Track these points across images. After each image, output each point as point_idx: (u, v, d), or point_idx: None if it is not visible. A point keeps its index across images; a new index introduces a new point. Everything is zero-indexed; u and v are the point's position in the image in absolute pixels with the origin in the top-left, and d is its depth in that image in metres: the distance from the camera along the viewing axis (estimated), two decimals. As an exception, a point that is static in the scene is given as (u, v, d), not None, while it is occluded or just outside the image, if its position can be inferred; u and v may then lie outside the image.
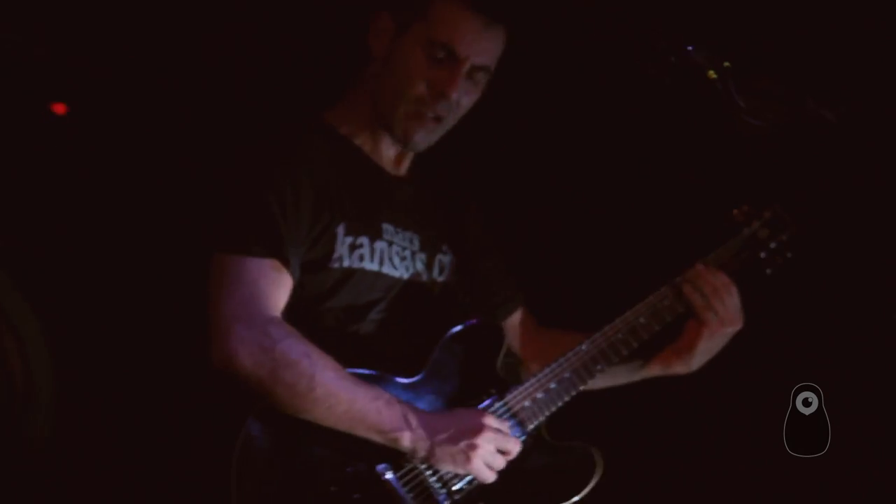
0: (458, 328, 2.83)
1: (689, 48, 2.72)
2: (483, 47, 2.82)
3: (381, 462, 2.66)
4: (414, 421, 2.65)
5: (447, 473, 2.71)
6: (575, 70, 3.73)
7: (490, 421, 2.70)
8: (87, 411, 3.71)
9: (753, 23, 3.41)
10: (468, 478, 2.72)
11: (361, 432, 2.64)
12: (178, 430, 3.51)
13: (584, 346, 2.87)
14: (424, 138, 2.87)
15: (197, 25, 3.68)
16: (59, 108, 3.78)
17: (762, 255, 2.98)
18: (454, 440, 2.66)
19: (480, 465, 2.68)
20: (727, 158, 3.42)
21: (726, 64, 2.72)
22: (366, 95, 2.90)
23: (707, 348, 2.93)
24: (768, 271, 2.99)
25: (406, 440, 2.65)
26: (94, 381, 3.72)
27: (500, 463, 2.71)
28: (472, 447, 2.66)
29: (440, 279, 2.95)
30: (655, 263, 3.03)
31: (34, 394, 3.62)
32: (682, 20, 2.84)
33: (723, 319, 2.88)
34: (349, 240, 2.79)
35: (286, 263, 2.70)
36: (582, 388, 2.86)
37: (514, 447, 2.73)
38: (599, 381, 2.94)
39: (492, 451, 2.69)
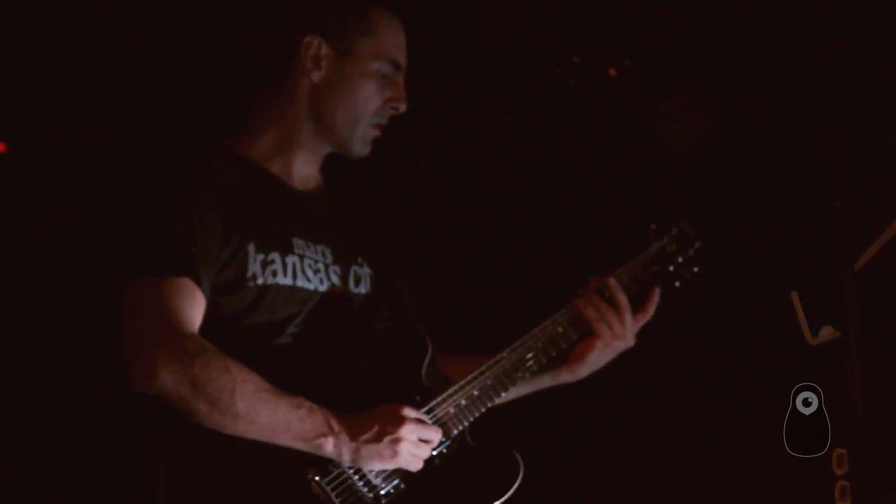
0: (381, 338, 2.88)
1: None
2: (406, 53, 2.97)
3: (310, 468, 2.68)
4: (336, 426, 2.68)
5: (374, 477, 2.73)
6: (483, 74, 3.81)
7: (408, 412, 2.73)
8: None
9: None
10: (395, 482, 2.75)
11: (286, 442, 2.66)
12: (103, 453, 3.49)
13: (505, 354, 2.93)
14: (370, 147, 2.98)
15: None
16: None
17: (671, 268, 3.08)
18: (377, 438, 2.69)
19: (407, 456, 2.71)
20: (641, 169, 3.52)
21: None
22: (274, 120, 2.94)
23: (595, 361, 3.04)
24: (677, 284, 3.09)
25: (329, 445, 2.67)
26: (13, 413, 3.68)
27: (425, 452, 2.75)
28: (396, 441, 2.69)
29: (358, 291, 2.97)
30: (573, 277, 3.09)
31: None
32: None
33: (616, 334, 2.98)
34: (260, 257, 2.81)
35: (198, 282, 2.70)
36: (504, 394, 2.92)
37: (436, 435, 2.77)
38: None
39: (415, 441, 2.72)
